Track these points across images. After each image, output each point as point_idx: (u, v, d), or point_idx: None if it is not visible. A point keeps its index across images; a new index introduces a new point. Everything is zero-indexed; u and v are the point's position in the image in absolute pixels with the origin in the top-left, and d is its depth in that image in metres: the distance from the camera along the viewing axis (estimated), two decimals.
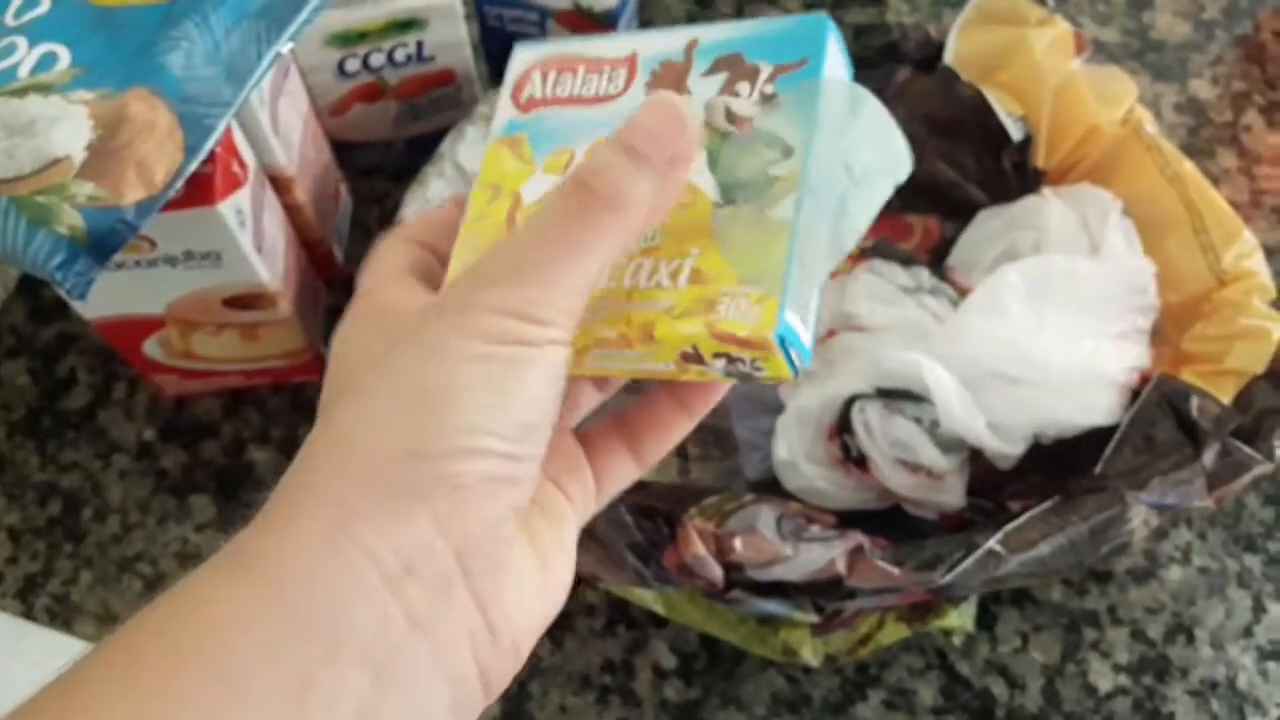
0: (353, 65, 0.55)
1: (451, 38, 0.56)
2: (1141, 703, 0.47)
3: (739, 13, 0.68)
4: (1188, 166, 0.50)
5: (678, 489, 0.47)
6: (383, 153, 0.62)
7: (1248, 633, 0.49)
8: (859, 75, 0.30)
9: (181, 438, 0.55)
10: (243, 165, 0.44)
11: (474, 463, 0.24)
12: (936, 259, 0.55)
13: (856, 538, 0.42)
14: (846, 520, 0.45)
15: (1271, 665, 0.48)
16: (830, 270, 0.28)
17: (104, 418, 0.56)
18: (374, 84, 0.57)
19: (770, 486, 0.49)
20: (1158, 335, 0.48)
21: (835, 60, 0.29)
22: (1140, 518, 0.41)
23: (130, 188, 0.37)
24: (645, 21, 0.65)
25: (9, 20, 0.40)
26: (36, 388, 0.57)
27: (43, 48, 0.39)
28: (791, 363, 0.27)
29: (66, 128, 0.37)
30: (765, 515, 0.43)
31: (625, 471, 0.32)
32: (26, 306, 0.59)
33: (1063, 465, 0.46)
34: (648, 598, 0.46)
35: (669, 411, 0.32)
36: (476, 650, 0.25)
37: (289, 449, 0.54)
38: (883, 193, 0.28)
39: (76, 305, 0.48)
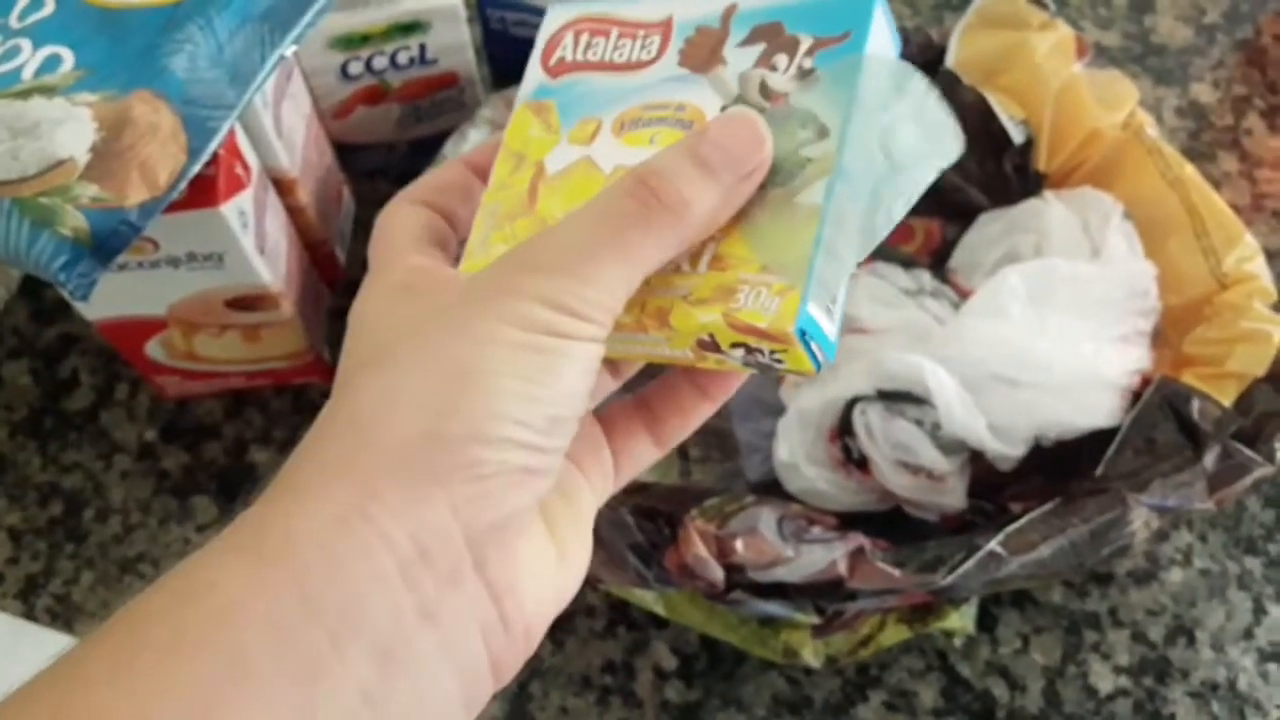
0: (356, 68, 0.56)
1: (454, 41, 0.56)
2: (1142, 704, 0.47)
3: None
4: (1189, 170, 0.50)
5: (679, 490, 0.47)
6: (385, 155, 0.62)
7: (1248, 635, 0.49)
8: None
9: (183, 439, 0.55)
10: (246, 167, 0.45)
11: (497, 451, 0.23)
12: (938, 262, 0.55)
13: (857, 539, 0.42)
14: (847, 522, 0.45)
15: (1272, 667, 0.48)
16: (861, 258, 0.26)
17: (106, 418, 0.56)
18: (377, 86, 0.57)
19: (771, 488, 0.49)
20: (1159, 338, 0.48)
21: (881, 35, 0.28)
22: (1141, 520, 0.41)
23: (133, 189, 0.37)
24: None
25: (13, 22, 0.40)
26: (38, 388, 0.57)
27: (47, 50, 0.39)
28: (813, 356, 0.26)
29: (70, 129, 0.37)
30: (766, 517, 0.43)
31: (645, 453, 0.31)
32: (29, 307, 0.59)
33: (1064, 467, 0.46)
34: (649, 599, 0.47)
35: (688, 396, 0.31)
36: (488, 640, 0.24)
37: (291, 450, 0.54)
38: (926, 177, 0.26)
39: (79, 306, 0.48)
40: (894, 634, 0.46)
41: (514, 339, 0.24)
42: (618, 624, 0.50)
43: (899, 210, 0.26)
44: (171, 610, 0.22)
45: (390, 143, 0.61)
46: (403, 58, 0.56)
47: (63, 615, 0.51)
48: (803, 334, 0.25)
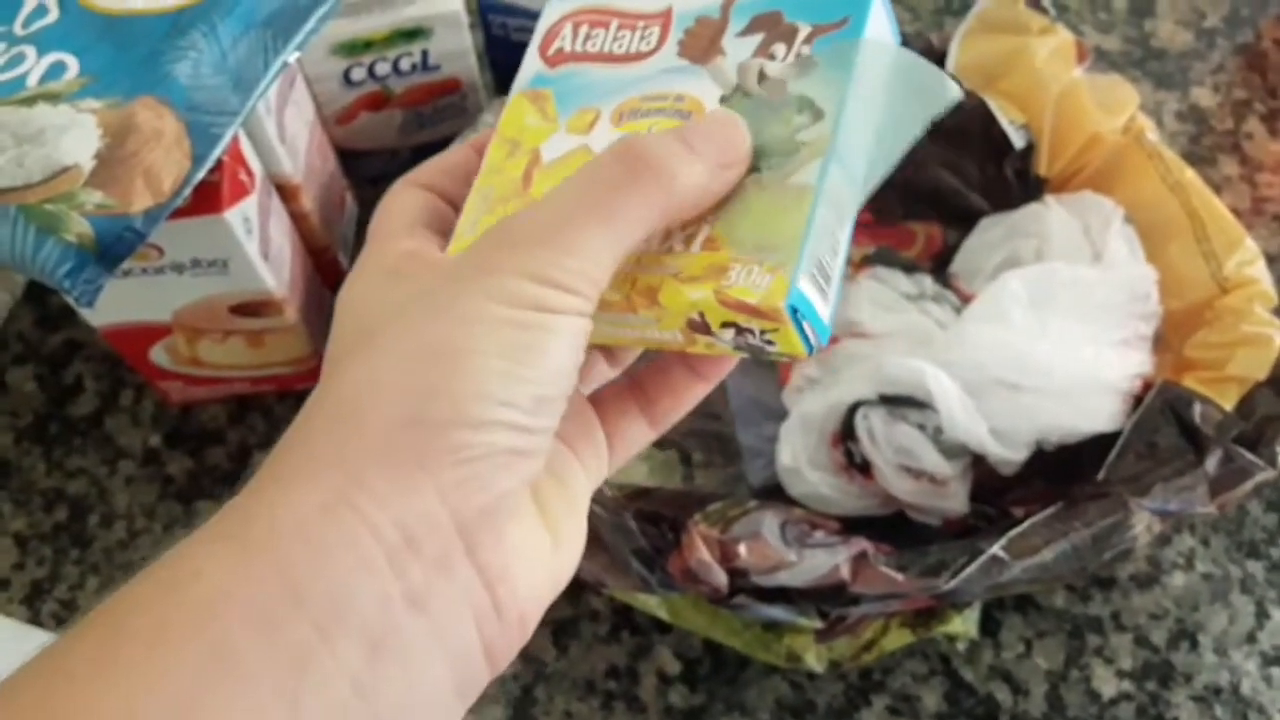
0: (358, 74, 0.56)
1: (456, 47, 0.56)
2: (1145, 709, 0.47)
3: None
4: (1189, 174, 0.50)
5: (682, 495, 0.47)
6: (388, 161, 0.62)
7: (1251, 639, 0.49)
8: None
9: (187, 444, 0.55)
10: (249, 173, 0.45)
11: (483, 434, 0.23)
12: (939, 266, 0.55)
13: (860, 544, 0.42)
14: (850, 526, 0.45)
15: (1275, 671, 0.48)
16: (856, 210, 0.26)
17: (110, 424, 0.56)
18: (379, 93, 0.57)
19: (774, 493, 0.49)
20: (1160, 342, 0.48)
21: (879, 21, 0.28)
22: (1143, 524, 0.41)
23: (138, 196, 0.37)
24: None
25: (18, 29, 0.41)
26: (43, 394, 0.57)
27: (51, 57, 0.39)
28: (805, 337, 0.25)
29: (75, 136, 0.37)
30: (769, 521, 0.43)
31: (639, 434, 0.31)
32: (34, 313, 0.59)
33: (1066, 471, 0.46)
34: (652, 603, 0.47)
35: (681, 376, 0.31)
36: (481, 626, 0.24)
37: None
38: (916, 132, 0.26)
39: (84, 312, 0.48)
40: (897, 638, 0.46)
41: (497, 316, 0.23)
42: (621, 629, 0.50)
43: (888, 167, 0.26)
44: (156, 600, 0.22)
45: (393, 149, 0.61)
46: (405, 64, 0.56)
47: (68, 620, 0.51)
48: (794, 311, 0.25)
